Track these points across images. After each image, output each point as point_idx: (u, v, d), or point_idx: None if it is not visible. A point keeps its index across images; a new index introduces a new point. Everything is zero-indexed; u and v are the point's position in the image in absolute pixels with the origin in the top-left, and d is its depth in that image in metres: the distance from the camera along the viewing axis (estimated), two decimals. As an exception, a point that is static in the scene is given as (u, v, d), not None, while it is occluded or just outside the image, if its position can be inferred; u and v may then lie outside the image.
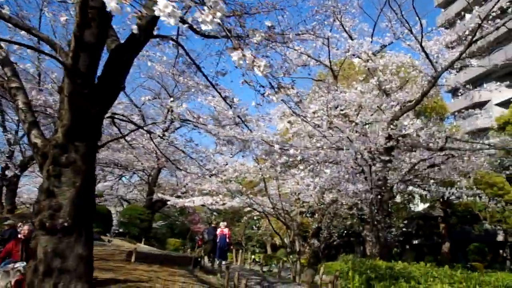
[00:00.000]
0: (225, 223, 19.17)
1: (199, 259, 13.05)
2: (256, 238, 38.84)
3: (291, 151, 7.98)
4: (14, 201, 19.38)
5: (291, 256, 16.55)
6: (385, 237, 13.72)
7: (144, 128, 8.42)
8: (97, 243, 15.70)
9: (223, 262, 17.56)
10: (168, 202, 19.56)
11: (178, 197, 22.41)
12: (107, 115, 8.46)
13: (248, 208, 18.90)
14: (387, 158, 13.71)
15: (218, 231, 18.12)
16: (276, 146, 7.90)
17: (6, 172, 18.06)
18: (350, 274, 8.21)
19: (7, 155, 18.86)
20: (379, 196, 14.00)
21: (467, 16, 11.80)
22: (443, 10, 40.83)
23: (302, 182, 16.36)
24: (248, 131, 8.79)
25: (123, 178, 30.07)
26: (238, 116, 7.80)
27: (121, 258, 11.80)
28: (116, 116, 8.86)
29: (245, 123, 7.65)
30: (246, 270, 15.57)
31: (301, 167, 15.25)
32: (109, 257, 12.00)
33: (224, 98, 7.21)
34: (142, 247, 17.95)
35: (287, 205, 18.79)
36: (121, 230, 23.78)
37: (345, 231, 25.18)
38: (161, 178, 26.32)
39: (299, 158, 9.10)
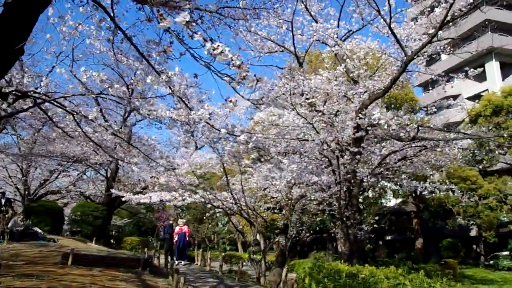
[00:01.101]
0: (183, 220, 18.01)
1: (149, 260, 11.78)
2: (226, 236, 37.77)
3: (241, 137, 6.82)
4: None
5: (254, 256, 15.41)
6: (355, 234, 12.75)
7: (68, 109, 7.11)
8: (37, 243, 14.21)
9: (182, 263, 16.39)
10: (123, 198, 18.17)
11: (139, 192, 21.09)
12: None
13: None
14: (356, 149, 12.75)
15: (177, 229, 16.92)
16: (223, 131, 6.73)
17: None
18: (306, 282, 6.95)
19: None
20: (347, 191, 13.05)
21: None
22: None
23: (269, 176, 15.41)
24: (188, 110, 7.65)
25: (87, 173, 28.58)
26: (179, 97, 6.62)
27: (57, 261, 10.46)
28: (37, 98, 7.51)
29: (183, 100, 6.46)
30: (205, 271, 14.36)
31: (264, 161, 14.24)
32: (43, 260, 10.55)
33: (158, 72, 6.03)
34: (92, 247, 16.54)
35: (252, 201, 17.69)
36: (73, 228, 22.18)
37: (317, 228, 24.32)
38: (121, 173, 24.77)
39: (250, 145, 7.92)
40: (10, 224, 14.99)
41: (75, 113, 6.97)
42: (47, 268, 9.39)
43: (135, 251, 17.49)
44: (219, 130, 7.06)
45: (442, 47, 12.49)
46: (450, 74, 14.82)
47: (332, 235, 29.79)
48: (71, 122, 8.87)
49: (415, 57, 10.71)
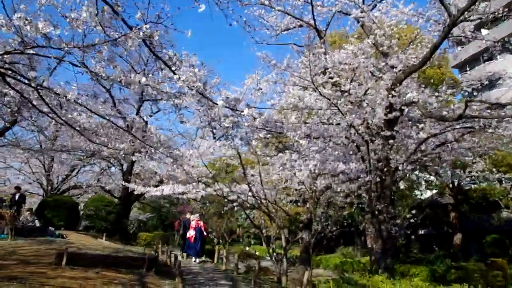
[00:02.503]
0: (197, 215, 16.74)
1: (155, 259, 10.50)
2: (250, 229, 36.47)
3: (245, 111, 5.34)
4: None
5: (275, 253, 13.93)
6: (388, 229, 11.07)
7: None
8: (44, 239, 13.24)
9: (197, 260, 15.08)
10: (135, 192, 17.09)
11: (155, 186, 19.99)
12: None
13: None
14: (389, 133, 11.02)
15: (193, 223, 15.68)
16: (220, 103, 5.29)
17: None
18: None
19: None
20: (379, 181, 11.35)
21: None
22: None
23: (288, 164, 13.88)
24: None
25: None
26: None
27: (51, 260, 9.38)
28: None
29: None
30: (221, 271, 12.95)
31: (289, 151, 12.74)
32: (37, 259, 9.53)
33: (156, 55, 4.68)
34: (102, 243, 15.44)
35: (272, 194, 16.19)
36: (87, 223, 21.25)
37: (344, 222, 22.64)
38: (138, 167, 23.79)
39: (258, 122, 6.43)
40: (21, 220, 14.24)
41: (39, 87, 5.61)
42: (38, 269, 8.37)
43: (147, 248, 16.25)
44: (215, 103, 5.60)
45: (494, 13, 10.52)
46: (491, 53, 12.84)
47: (361, 229, 28.07)
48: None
49: (463, 17, 8.83)
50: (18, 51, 4.72)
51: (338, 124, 11.18)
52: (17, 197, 15.85)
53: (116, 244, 17.22)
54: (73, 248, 11.47)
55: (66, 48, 4.59)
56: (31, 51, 4.88)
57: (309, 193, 15.49)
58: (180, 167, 13.31)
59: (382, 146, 11.04)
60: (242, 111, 5.74)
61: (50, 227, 15.00)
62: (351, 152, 10.97)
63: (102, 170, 27.38)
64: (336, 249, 28.95)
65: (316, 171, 12.74)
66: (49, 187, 25.97)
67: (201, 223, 15.78)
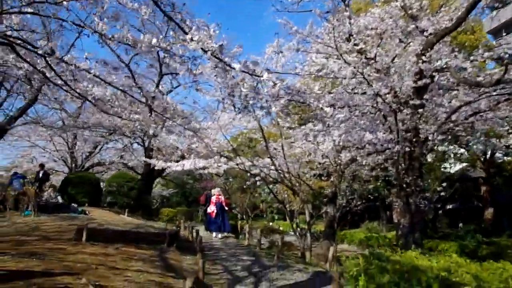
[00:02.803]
0: (218, 189, 16.50)
1: (176, 235, 10.34)
2: (273, 204, 36.32)
3: (265, 76, 4.93)
4: None
5: (298, 228, 13.64)
6: (416, 203, 10.55)
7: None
8: (67, 216, 13.34)
9: (219, 235, 14.92)
10: (155, 167, 16.94)
11: (177, 161, 19.86)
12: None
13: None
14: (418, 102, 10.38)
15: (213, 198, 15.47)
16: (237, 66, 4.88)
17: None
18: (360, 283, 4.48)
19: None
20: (408, 152, 10.78)
21: None
22: None
23: (313, 137, 13.46)
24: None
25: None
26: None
27: (72, 236, 9.30)
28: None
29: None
30: (243, 247, 12.75)
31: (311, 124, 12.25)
32: (59, 235, 9.49)
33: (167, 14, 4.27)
34: (124, 219, 15.45)
35: (296, 167, 15.83)
36: (110, 200, 21.37)
37: (369, 196, 22.11)
38: (160, 143, 23.66)
39: (277, 88, 5.98)
40: (45, 197, 14.34)
41: (47, 55, 5.30)
42: (59, 245, 8.27)
43: (169, 224, 16.20)
44: (233, 68, 5.17)
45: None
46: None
47: (386, 203, 27.45)
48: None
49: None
50: (16, 11, 4.40)
51: (364, 93, 10.62)
52: (41, 174, 16.00)
53: (138, 220, 17.26)
54: (94, 224, 11.42)
55: (65, 2, 4.23)
56: (29, 10, 4.55)
57: (334, 166, 15.06)
58: (200, 140, 13.01)
59: (411, 115, 10.42)
60: (261, 76, 5.31)
61: (73, 204, 15.08)
62: (377, 122, 10.40)
63: (125, 147, 27.54)
64: (361, 224, 28.54)
65: (341, 142, 12.28)
66: (73, 165, 26.29)
67: (222, 198, 15.53)
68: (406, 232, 10.76)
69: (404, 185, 10.73)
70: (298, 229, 13.77)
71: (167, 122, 15.11)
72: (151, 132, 12.58)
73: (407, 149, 10.46)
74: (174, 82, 24.26)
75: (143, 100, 8.33)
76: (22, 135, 24.07)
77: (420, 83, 10.25)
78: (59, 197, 14.28)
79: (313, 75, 10.63)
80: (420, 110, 10.50)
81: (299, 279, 7.75)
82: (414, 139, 10.67)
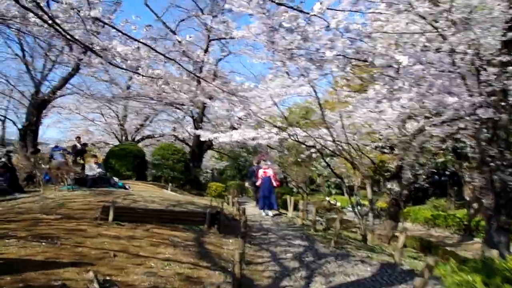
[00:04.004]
0: (268, 162, 15.34)
1: (217, 215, 9.34)
2: (331, 178, 34.94)
3: (316, 6, 3.67)
4: (37, 143, 17.41)
5: (358, 207, 12.32)
6: (504, 180, 8.87)
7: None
8: (102, 190, 12.45)
9: (270, 213, 13.90)
10: (201, 138, 16.11)
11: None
12: None
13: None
14: (507, 58, 8.58)
15: (260, 172, 14.36)
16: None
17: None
18: None
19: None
20: (491, 120, 9.06)
21: None
22: None
23: (376, 107, 11.99)
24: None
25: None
26: None
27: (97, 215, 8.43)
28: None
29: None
30: (296, 227, 11.62)
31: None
32: (84, 213, 8.51)
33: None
34: (166, 194, 14.75)
35: (355, 138, 14.38)
36: (155, 173, 20.73)
37: (435, 170, 20.20)
38: (211, 113, 22.93)
39: (333, 24, 4.67)
40: (87, 169, 13.97)
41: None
42: (80, 225, 7.30)
43: (217, 200, 15.29)
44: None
45: None
46: None
47: (455, 178, 25.23)
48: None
49: None
50: None
51: (438, 50, 8.95)
52: (79, 146, 15.73)
53: (182, 195, 16.46)
54: (129, 200, 10.65)
55: None
56: None
57: (399, 137, 13.51)
58: (248, 109, 11.94)
59: (497, 75, 8.65)
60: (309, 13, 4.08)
61: (114, 177, 14.64)
62: (458, 82, 8.72)
63: (177, 119, 27.14)
64: (425, 201, 26.54)
65: (407, 110, 10.76)
66: (124, 137, 26.24)
67: (271, 172, 14.26)
68: (489, 214, 9.16)
69: (487, 159, 9.08)
70: (358, 207, 12.44)
71: (213, 91, 14.18)
72: (216, 106, 11.70)
73: (492, 115, 8.74)
74: (225, 49, 23.26)
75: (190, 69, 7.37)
76: (72, 108, 24.26)
77: (510, 34, 8.44)
78: (99, 170, 13.77)
79: (377, 32, 9.03)
80: (510, 68, 8.69)
81: (362, 274, 6.41)
82: (500, 105, 8.93)
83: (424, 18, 8.57)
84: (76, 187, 12.53)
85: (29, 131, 16.46)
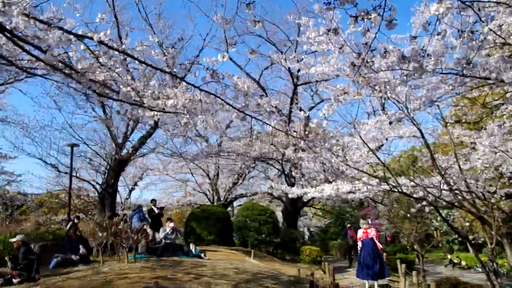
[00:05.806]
0: (368, 221, 12.96)
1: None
2: (451, 233, 30.34)
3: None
4: (114, 206, 17.15)
5: (492, 266, 9.43)
6: None
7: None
8: (169, 261, 11.09)
9: (375, 285, 11.30)
10: (289, 195, 14.39)
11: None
12: None
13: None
14: None
15: (360, 233, 12.02)
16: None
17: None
18: None
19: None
20: None
21: None
22: None
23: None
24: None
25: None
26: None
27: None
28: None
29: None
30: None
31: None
32: None
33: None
34: (247, 264, 12.63)
35: (479, 185, 11.65)
36: (238, 237, 18.84)
37: None
38: (304, 167, 21.26)
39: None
40: (161, 235, 12.85)
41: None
42: None
43: (311, 267, 13.01)
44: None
45: None
46: None
47: None
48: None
49: None
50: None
51: None
52: (156, 210, 14.44)
53: (268, 263, 14.37)
54: (191, 275, 8.79)
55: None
56: None
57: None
58: (342, 160, 10.17)
59: None
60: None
61: (191, 244, 13.37)
62: None
63: (267, 176, 25.95)
64: None
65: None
66: (216, 197, 25.39)
67: (373, 232, 11.77)
68: None
69: None
70: (492, 266, 9.50)
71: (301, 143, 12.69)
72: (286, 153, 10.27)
73: None
74: (316, 97, 21.94)
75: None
76: (160, 169, 24.33)
77: None
78: (173, 235, 12.57)
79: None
80: None
81: None
82: None
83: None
84: (145, 256, 11.51)
85: (107, 194, 16.28)
